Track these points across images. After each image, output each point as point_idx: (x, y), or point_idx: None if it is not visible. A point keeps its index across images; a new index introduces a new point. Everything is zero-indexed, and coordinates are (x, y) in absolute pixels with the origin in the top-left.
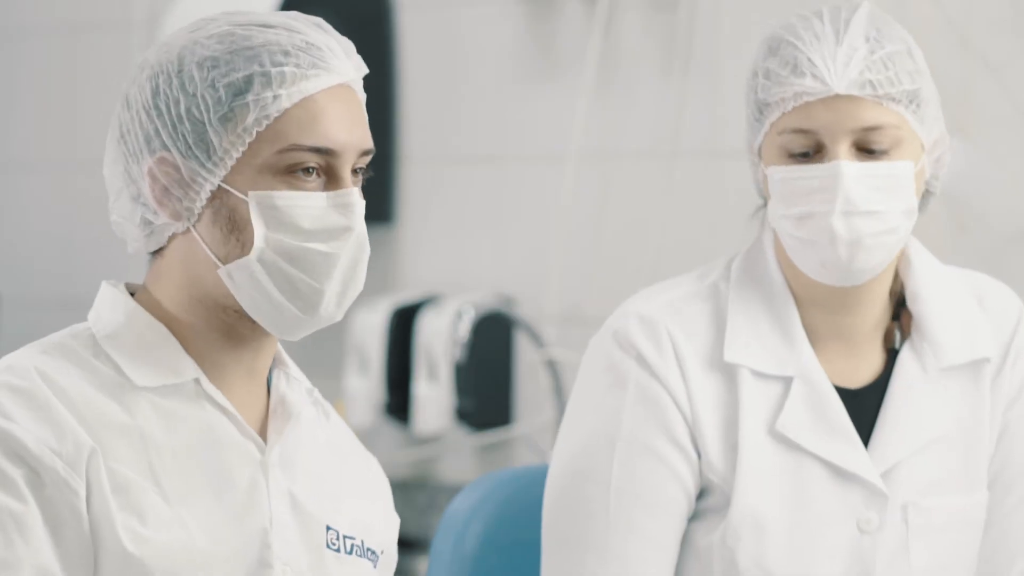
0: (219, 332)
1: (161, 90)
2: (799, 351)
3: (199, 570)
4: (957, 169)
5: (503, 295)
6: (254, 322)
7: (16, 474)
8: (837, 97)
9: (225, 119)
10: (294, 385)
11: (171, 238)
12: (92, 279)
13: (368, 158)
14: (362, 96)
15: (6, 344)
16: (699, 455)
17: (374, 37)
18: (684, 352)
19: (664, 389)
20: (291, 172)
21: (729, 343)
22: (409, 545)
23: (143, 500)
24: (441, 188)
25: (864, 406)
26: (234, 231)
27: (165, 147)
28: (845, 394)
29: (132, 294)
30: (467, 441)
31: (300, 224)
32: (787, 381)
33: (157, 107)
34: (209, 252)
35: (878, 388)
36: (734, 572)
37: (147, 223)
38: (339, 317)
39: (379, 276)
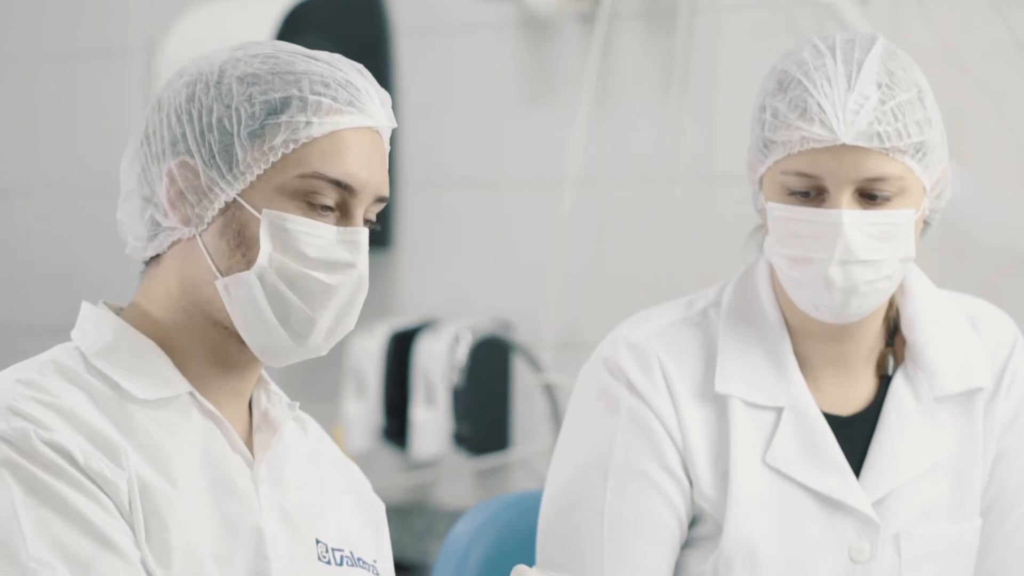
0: (207, 348)
1: (197, 96)
2: (790, 381)
3: (203, 563)
4: (954, 195)
5: (501, 320)
6: (241, 342)
7: (83, 480)
8: (844, 146)
9: (254, 135)
10: (275, 400)
11: (172, 244)
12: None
13: (380, 206)
14: (387, 147)
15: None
16: (691, 483)
17: (372, 62)
18: (674, 380)
19: (655, 416)
20: (307, 199)
21: (720, 374)
22: (407, 570)
23: (161, 504)
24: (439, 213)
25: (856, 433)
26: (240, 246)
27: (189, 152)
28: (837, 421)
29: (118, 311)
30: (465, 465)
31: (306, 251)
32: (778, 411)
33: (189, 112)
34: (211, 262)
35: (870, 415)
36: None
37: (155, 224)
38: (325, 351)
39: (377, 300)
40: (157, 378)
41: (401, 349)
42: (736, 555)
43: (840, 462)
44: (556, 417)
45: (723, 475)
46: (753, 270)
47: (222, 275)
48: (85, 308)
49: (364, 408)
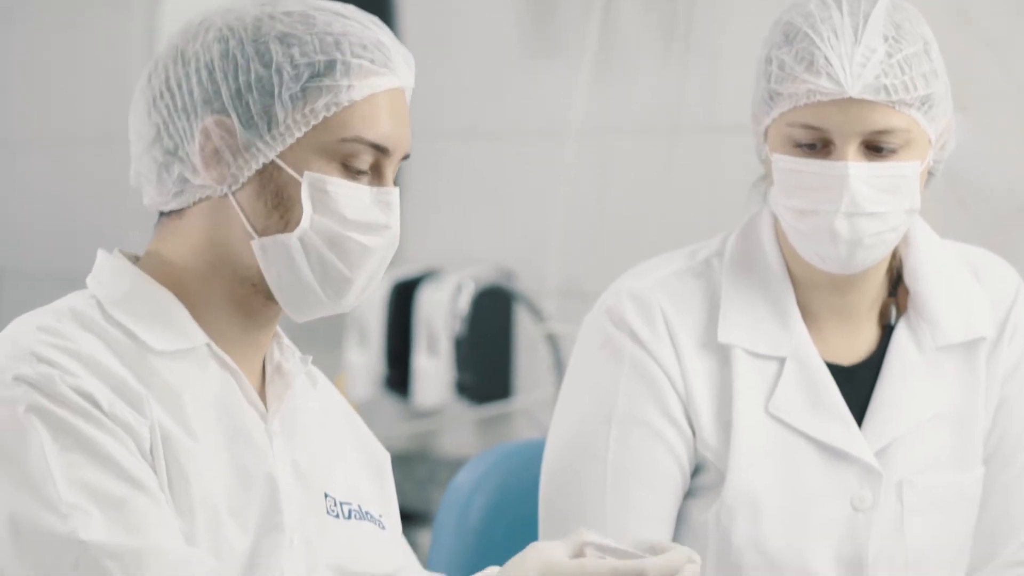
0: (230, 303)
1: (231, 54)
2: (793, 330)
3: (217, 527)
4: (958, 145)
5: (503, 269)
6: (267, 298)
7: (110, 424)
8: (850, 99)
9: (295, 97)
10: (287, 354)
11: (199, 200)
12: (92, 253)
13: (402, 162)
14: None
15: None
16: (693, 432)
17: (376, 12)
18: (677, 329)
19: (658, 366)
20: (344, 162)
21: (723, 323)
22: (410, 518)
23: (181, 454)
24: (442, 163)
25: (859, 383)
26: (279, 207)
27: (224, 110)
28: (839, 371)
29: (134, 261)
30: (467, 414)
31: (345, 213)
32: (780, 361)
33: (224, 69)
34: (246, 222)
35: (873, 364)
36: (729, 550)
37: (182, 180)
38: (352, 307)
39: None
40: (175, 329)
41: (404, 298)
42: (738, 504)
43: (842, 411)
44: (558, 366)
45: (726, 424)
46: (756, 220)
47: (258, 235)
48: (101, 256)
49: (367, 357)
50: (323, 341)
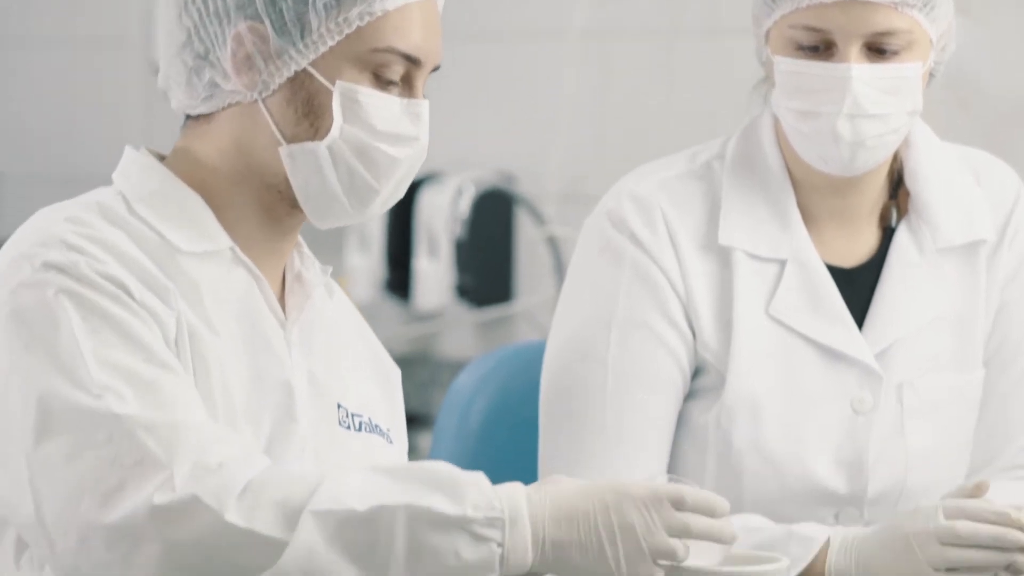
0: (255, 209)
1: None
2: (793, 233)
3: (234, 426)
4: (958, 47)
5: (504, 172)
6: (292, 206)
7: (139, 310)
8: (853, 1)
9: (329, 6)
10: (308, 263)
11: (228, 105)
12: (93, 156)
13: (431, 74)
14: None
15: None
16: (694, 334)
17: None
18: (677, 231)
19: (658, 268)
20: (375, 72)
21: (723, 225)
22: (410, 421)
23: (205, 350)
24: (443, 66)
25: (859, 285)
26: (309, 115)
27: (258, 16)
28: (840, 273)
29: (161, 159)
30: (467, 317)
31: (375, 124)
32: (781, 263)
33: None
34: (275, 129)
35: (873, 267)
36: (729, 451)
37: (213, 85)
38: (376, 216)
39: None
40: (200, 231)
41: (404, 201)
42: (738, 406)
43: (843, 313)
44: (559, 269)
45: (726, 326)
46: (757, 123)
47: (287, 142)
48: (129, 153)
49: (367, 260)
50: (323, 245)
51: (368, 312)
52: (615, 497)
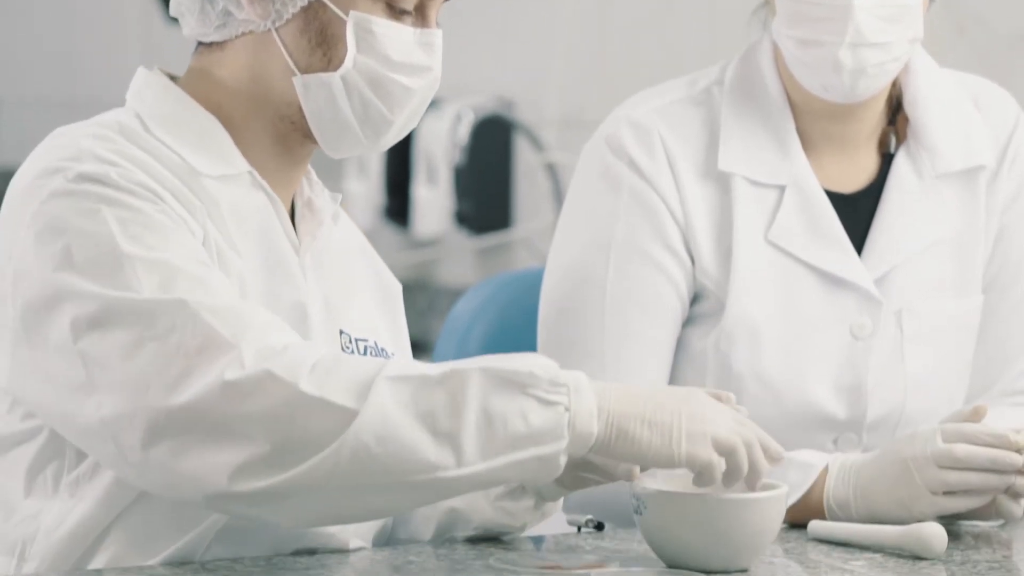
0: (268, 136)
1: None
2: (792, 159)
3: None
4: None
5: (503, 98)
6: (305, 135)
7: (174, 214)
8: None
9: None
10: (317, 189)
11: (241, 34)
12: (92, 80)
13: (444, 3)
14: None
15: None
16: (693, 260)
17: None
18: (676, 157)
19: (656, 194)
20: (390, 2)
21: (723, 151)
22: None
23: (227, 268)
24: None
25: (858, 211)
26: (322, 45)
27: None
28: (839, 199)
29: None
30: (466, 244)
31: (389, 54)
32: (780, 189)
33: None
34: (288, 58)
35: (872, 193)
36: (728, 377)
37: (226, 13)
38: (389, 146)
39: None
40: (219, 154)
41: None
42: (737, 331)
43: (842, 239)
44: (558, 196)
45: (725, 252)
46: (756, 48)
47: (300, 72)
48: (142, 73)
49: (366, 187)
50: (322, 171)
51: (367, 238)
52: (685, 389)
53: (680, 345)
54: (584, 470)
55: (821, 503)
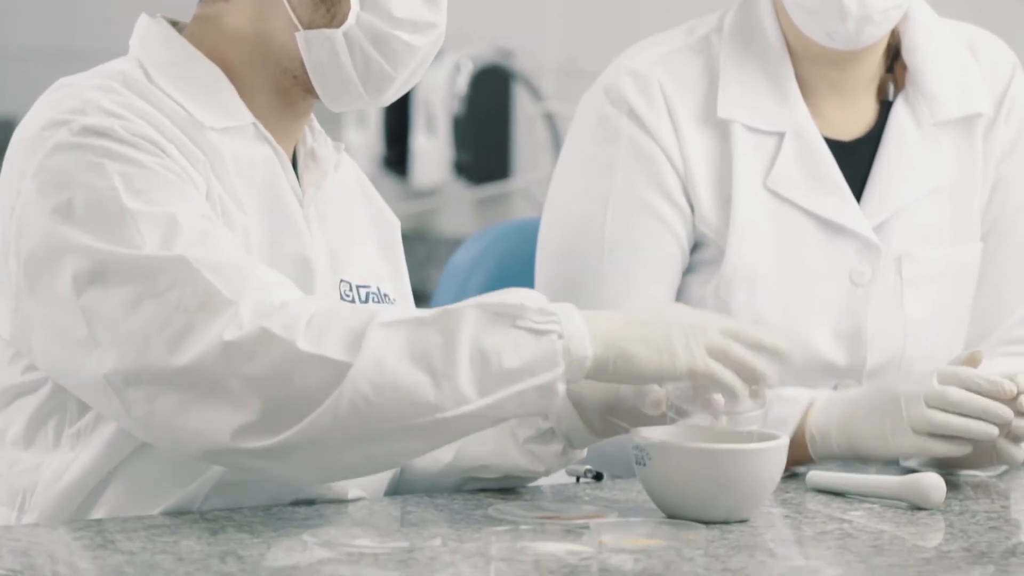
0: (270, 90)
1: None
2: (792, 106)
3: None
4: None
5: (501, 48)
6: (307, 90)
7: (177, 167)
8: None
9: None
10: (319, 139)
11: None
12: (89, 29)
13: None
14: None
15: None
16: (692, 209)
17: None
18: (676, 106)
19: (655, 143)
20: None
21: (722, 98)
22: None
23: (230, 221)
24: None
25: (857, 158)
26: (326, 1)
27: None
28: (838, 146)
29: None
30: (465, 194)
31: (392, 10)
32: (780, 136)
33: None
34: (292, 13)
35: (871, 140)
36: None
37: None
38: (390, 102)
39: None
40: (224, 106)
41: None
42: (737, 278)
43: (841, 186)
44: (557, 146)
45: (725, 201)
46: None
47: (303, 27)
48: (145, 21)
49: (365, 137)
50: (321, 121)
51: None
52: (664, 305)
53: (679, 293)
54: (614, 414)
55: (803, 436)
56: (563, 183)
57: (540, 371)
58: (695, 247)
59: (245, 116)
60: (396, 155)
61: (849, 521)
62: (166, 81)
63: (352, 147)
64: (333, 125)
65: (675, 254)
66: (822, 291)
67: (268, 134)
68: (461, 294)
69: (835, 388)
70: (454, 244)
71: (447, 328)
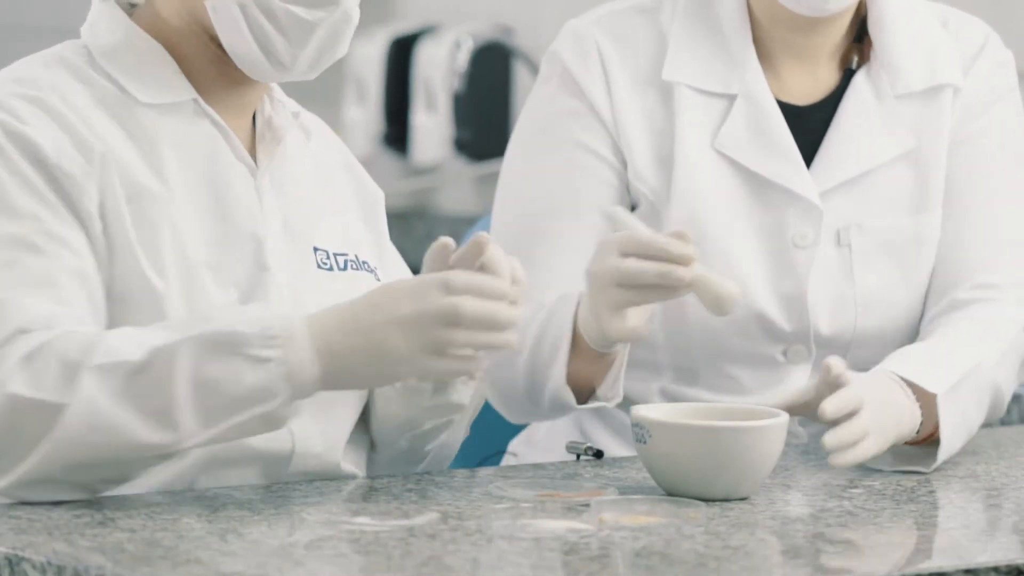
0: (210, 61)
1: None
2: (746, 68)
3: (191, 281)
4: None
5: (501, 25)
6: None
7: (37, 179)
8: None
9: None
10: (279, 108)
11: None
12: (83, 7)
13: None
14: None
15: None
16: (625, 165)
17: None
18: (612, 65)
19: (584, 102)
20: None
21: (670, 60)
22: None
23: (155, 210)
24: None
25: (811, 123)
26: None
27: None
28: (793, 110)
29: (130, 12)
30: (465, 171)
31: None
32: (731, 99)
33: None
34: None
35: (828, 106)
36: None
37: None
38: (313, 76)
39: (376, 6)
40: (162, 83)
41: (401, 55)
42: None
43: (790, 149)
44: None
45: (663, 162)
46: None
47: None
48: (96, 5)
49: (365, 114)
50: (321, 98)
51: (366, 166)
52: (392, 298)
53: None
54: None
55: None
56: (512, 142)
57: (262, 400)
58: (632, 208)
59: (185, 92)
60: (396, 132)
61: (849, 499)
62: (106, 60)
63: (352, 124)
64: (332, 101)
65: (605, 202)
66: (763, 251)
67: (210, 110)
68: None
69: (784, 353)
70: (454, 222)
71: (163, 366)
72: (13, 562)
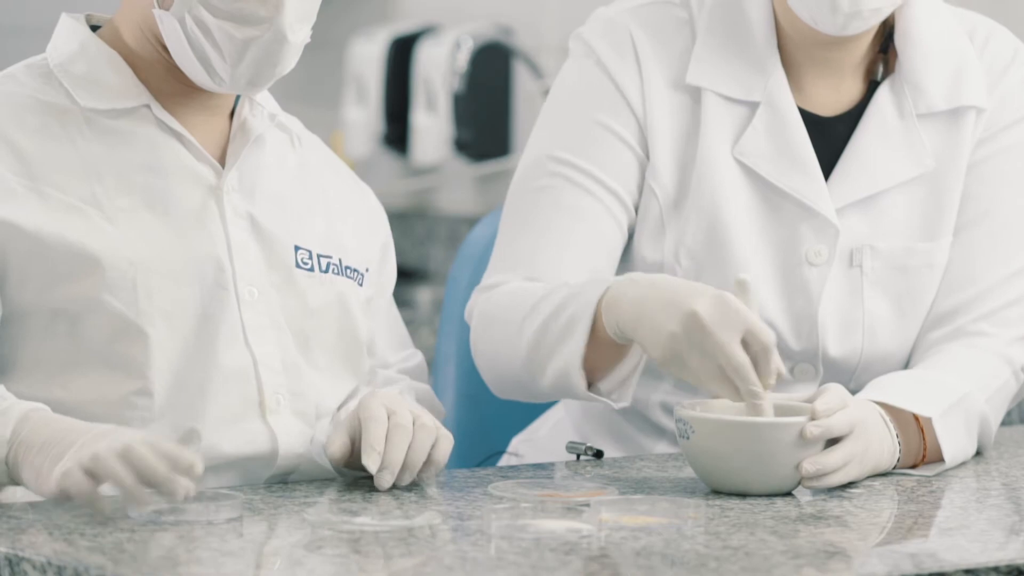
0: (164, 70)
1: None
2: (769, 76)
3: (135, 288)
4: None
5: (501, 25)
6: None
7: None
8: None
9: None
10: (256, 110)
11: None
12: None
13: None
14: None
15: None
16: (648, 157)
17: None
18: (647, 58)
19: (617, 90)
20: None
21: (694, 64)
22: (408, 275)
23: (87, 224)
24: None
25: (834, 136)
26: None
27: None
28: (815, 121)
29: (96, 28)
30: (466, 171)
31: (216, 3)
32: (753, 106)
33: None
34: None
35: (851, 119)
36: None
37: None
38: (256, 94)
39: (376, 6)
40: (112, 90)
41: (402, 55)
42: (702, 232)
43: (810, 162)
44: None
45: (683, 165)
46: None
47: (158, 6)
48: (63, 20)
49: (365, 114)
50: (321, 98)
51: (366, 166)
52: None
53: (633, 256)
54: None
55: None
56: (540, 119)
57: None
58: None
59: (136, 99)
60: (396, 133)
61: (850, 499)
62: (62, 71)
63: (352, 124)
64: (332, 103)
65: (621, 191)
66: (777, 267)
67: (165, 115)
68: (478, 271)
69: (791, 371)
70: (454, 222)
71: None
72: (13, 562)
